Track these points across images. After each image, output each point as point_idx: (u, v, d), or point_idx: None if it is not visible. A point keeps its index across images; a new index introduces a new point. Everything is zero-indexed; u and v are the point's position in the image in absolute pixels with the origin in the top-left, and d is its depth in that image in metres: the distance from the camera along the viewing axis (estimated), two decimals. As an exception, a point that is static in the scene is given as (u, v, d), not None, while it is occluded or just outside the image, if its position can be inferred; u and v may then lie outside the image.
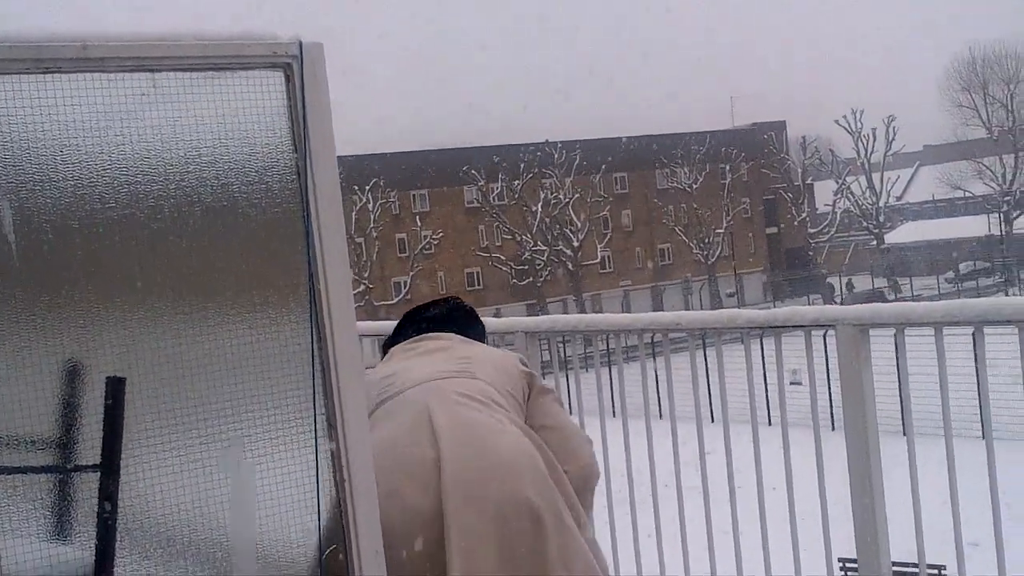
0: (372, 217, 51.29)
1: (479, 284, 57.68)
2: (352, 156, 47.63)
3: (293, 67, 2.49)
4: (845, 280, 58.69)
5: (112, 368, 2.25)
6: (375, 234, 51.37)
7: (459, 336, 3.17)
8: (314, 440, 2.49)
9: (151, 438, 2.31)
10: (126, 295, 2.30)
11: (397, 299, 52.56)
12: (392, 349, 3.22)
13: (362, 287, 48.32)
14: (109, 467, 2.17)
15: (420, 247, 54.21)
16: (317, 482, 2.50)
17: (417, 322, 3.27)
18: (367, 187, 50.57)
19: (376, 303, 49.97)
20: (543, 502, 2.59)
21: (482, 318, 3.43)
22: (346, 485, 2.53)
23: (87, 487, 2.21)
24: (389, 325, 5.55)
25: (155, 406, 2.31)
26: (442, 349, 3.06)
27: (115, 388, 2.19)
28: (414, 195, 56.66)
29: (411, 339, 3.18)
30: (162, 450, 2.32)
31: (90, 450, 2.21)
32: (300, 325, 2.49)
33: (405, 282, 53.39)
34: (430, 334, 3.17)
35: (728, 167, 62.20)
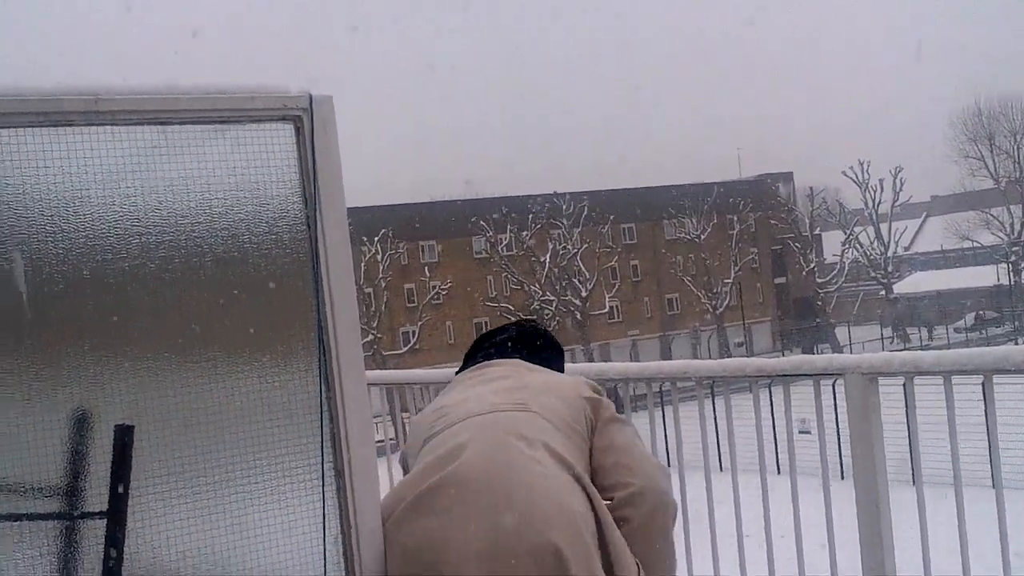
0: (381, 267, 51.40)
1: (487, 334, 57.68)
2: (361, 207, 47.86)
3: (303, 120, 2.52)
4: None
5: (121, 416, 2.26)
6: (383, 284, 51.44)
7: (524, 362, 3.06)
8: (321, 489, 2.50)
9: (158, 486, 2.31)
10: (136, 344, 2.32)
11: (405, 349, 52.55)
12: (456, 377, 3.14)
13: (370, 337, 48.31)
14: (116, 514, 2.18)
15: (429, 297, 54.27)
16: (323, 531, 2.50)
17: (486, 348, 3.19)
18: (376, 238, 50.76)
19: (384, 353, 49.95)
20: (571, 551, 2.44)
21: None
22: (352, 534, 2.53)
23: (94, 534, 2.22)
24: (398, 375, 5.58)
25: (163, 454, 2.32)
26: (503, 377, 2.96)
27: (123, 436, 2.20)
28: (423, 246, 56.84)
29: (475, 366, 3.10)
30: (169, 498, 2.33)
31: (97, 497, 2.21)
32: (309, 374, 2.50)
33: (413, 332, 53.39)
34: (494, 360, 3.09)
35: (736, 218, 62.32)
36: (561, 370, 3.21)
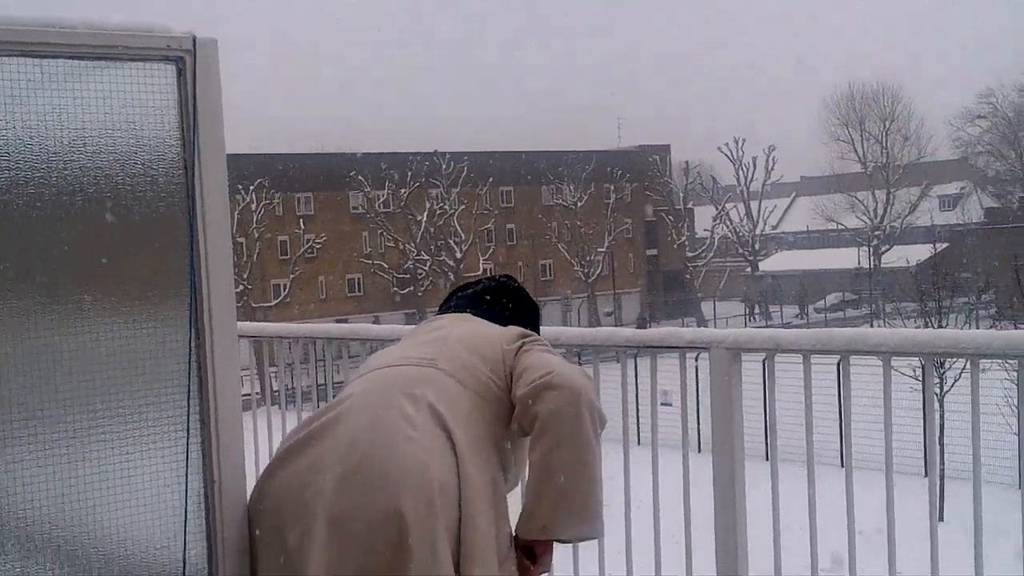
0: (255, 218, 50.45)
1: (360, 291, 57.30)
2: (238, 154, 46.88)
3: (186, 61, 2.47)
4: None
5: (-21, 357, 2.20)
6: (257, 235, 50.57)
7: (471, 316, 3.00)
8: (186, 440, 2.47)
9: (16, 430, 2.25)
10: (-1, 282, 2.25)
11: (276, 301, 51.84)
12: (417, 325, 3.14)
13: (241, 288, 47.55)
14: (-29, 458, 2.12)
15: (302, 250, 53.56)
16: (186, 482, 2.47)
17: (456, 297, 3.17)
18: (251, 187, 49.77)
19: (254, 304, 49.19)
20: (414, 516, 2.42)
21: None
22: (215, 486, 2.51)
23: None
24: (268, 327, 5.51)
25: (21, 398, 2.26)
26: (437, 329, 2.92)
27: (-19, 378, 2.13)
28: (299, 198, 56.00)
29: (430, 318, 3.09)
30: (26, 443, 2.27)
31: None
32: (178, 322, 2.46)
33: (285, 285, 52.69)
34: (447, 314, 3.06)
35: (612, 187, 62.98)
36: (533, 327, 3.08)
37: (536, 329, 3.12)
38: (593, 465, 2.67)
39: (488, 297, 3.12)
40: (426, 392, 2.63)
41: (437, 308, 3.21)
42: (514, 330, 2.89)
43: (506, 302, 3.13)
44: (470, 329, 2.90)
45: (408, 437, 2.52)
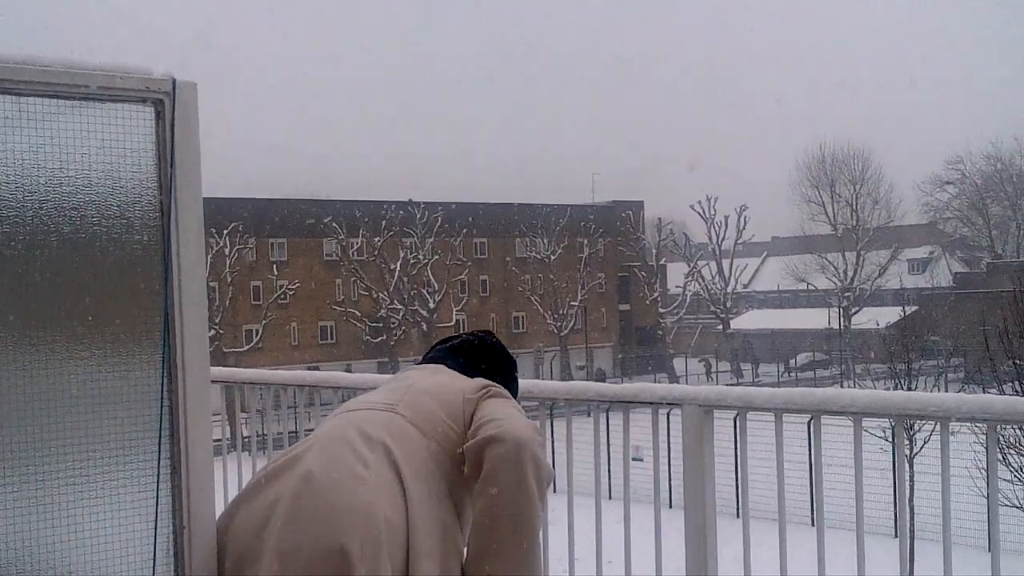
0: (228, 262, 50.29)
1: (332, 338, 57.11)
2: (212, 198, 46.80)
3: (165, 104, 2.46)
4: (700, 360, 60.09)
5: (-53, 396, 2.17)
6: (229, 280, 50.39)
7: (441, 367, 3.08)
8: (156, 485, 2.43)
9: (-18, 472, 2.22)
10: (-30, 321, 2.22)
11: (248, 347, 51.56)
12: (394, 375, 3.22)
13: (212, 332, 47.23)
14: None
15: (275, 296, 53.38)
16: (155, 528, 2.44)
17: (435, 349, 3.26)
18: (225, 231, 49.70)
19: (226, 350, 48.91)
20: (361, 558, 2.42)
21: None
22: (185, 533, 2.48)
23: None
24: (241, 373, 5.47)
25: (-10, 439, 2.23)
26: (405, 379, 3.01)
27: (-52, 417, 2.10)
28: (272, 243, 55.93)
29: (405, 368, 3.18)
30: (-7, 485, 2.24)
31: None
32: (151, 365, 2.44)
33: (257, 330, 52.42)
34: (422, 365, 3.16)
35: (586, 241, 63.31)
36: (509, 382, 3.15)
37: (514, 384, 3.21)
38: (533, 519, 2.73)
39: (465, 349, 3.20)
40: (382, 434, 2.69)
41: (409, 356, 3.29)
42: (478, 381, 2.97)
43: (482, 356, 3.19)
44: (436, 379, 2.99)
45: (359, 476, 2.56)
